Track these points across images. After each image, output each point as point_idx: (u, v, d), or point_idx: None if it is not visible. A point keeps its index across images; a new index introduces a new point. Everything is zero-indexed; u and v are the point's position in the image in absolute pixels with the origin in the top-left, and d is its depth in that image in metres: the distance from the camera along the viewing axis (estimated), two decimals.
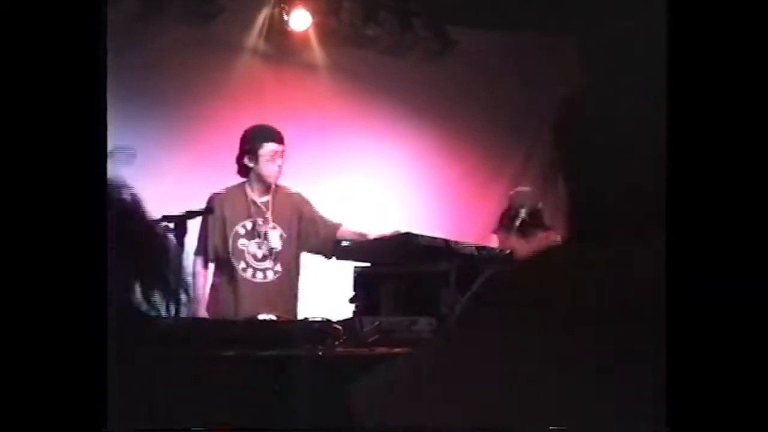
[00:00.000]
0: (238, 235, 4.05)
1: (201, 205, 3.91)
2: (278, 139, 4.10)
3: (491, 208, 6.13)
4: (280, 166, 4.08)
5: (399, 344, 2.87)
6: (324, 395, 2.40)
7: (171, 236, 2.45)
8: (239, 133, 4.51)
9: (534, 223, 4.96)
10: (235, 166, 4.17)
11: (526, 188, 5.24)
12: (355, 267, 3.44)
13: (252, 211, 4.07)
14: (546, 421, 1.28)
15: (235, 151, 4.19)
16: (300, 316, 3.94)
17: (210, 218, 4.02)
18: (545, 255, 1.43)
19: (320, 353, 2.48)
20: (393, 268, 3.34)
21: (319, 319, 2.91)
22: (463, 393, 1.33)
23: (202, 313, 3.96)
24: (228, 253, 4.03)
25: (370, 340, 2.83)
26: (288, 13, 5.42)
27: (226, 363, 2.28)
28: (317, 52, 5.63)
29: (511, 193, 5.24)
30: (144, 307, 1.33)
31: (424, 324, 2.99)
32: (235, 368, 2.28)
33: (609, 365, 1.24)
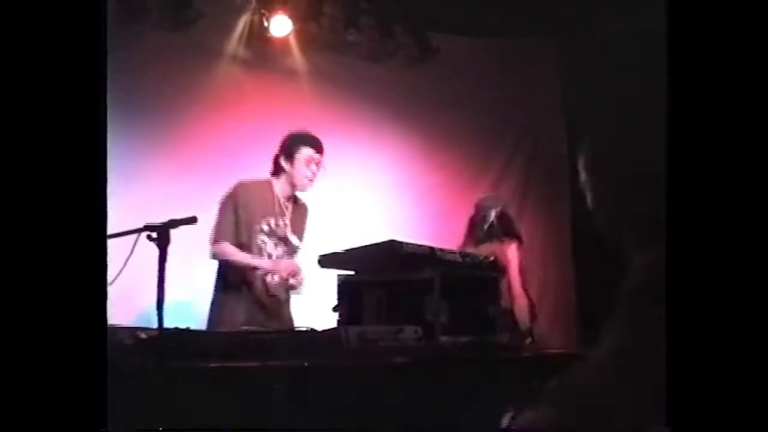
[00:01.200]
0: (261, 231, 4.01)
1: (182, 213, 3.85)
2: (318, 147, 4.08)
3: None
4: (314, 173, 4.06)
5: (385, 353, 2.85)
6: (310, 405, 2.37)
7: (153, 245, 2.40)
8: (220, 140, 4.47)
9: (503, 227, 4.99)
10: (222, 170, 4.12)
11: (492, 194, 5.27)
12: (339, 275, 3.41)
13: (276, 210, 4.05)
14: (546, 421, 1.27)
15: (216, 158, 4.14)
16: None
17: (230, 216, 3.97)
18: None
19: (305, 364, 2.45)
20: (377, 276, 3.31)
21: (304, 329, 2.88)
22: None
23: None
24: (250, 246, 3.99)
25: (356, 349, 2.79)
26: (268, 19, 5.39)
27: (209, 374, 2.24)
28: (298, 58, 5.60)
29: (480, 198, 5.27)
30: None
31: (409, 332, 2.97)
32: (219, 379, 2.25)
33: (609, 365, 1.24)
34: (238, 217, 3.98)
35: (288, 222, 4.10)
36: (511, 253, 5.00)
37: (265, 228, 4.04)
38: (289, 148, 4.06)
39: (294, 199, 4.16)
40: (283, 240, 4.09)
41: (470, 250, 4.94)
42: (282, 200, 4.09)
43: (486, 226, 5.08)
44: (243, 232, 3.99)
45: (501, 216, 5.10)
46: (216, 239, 3.96)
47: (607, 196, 1.45)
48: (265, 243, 4.04)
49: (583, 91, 5.97)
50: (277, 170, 4.09)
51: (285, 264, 3.97)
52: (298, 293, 4.08)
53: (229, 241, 3.96)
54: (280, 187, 4.08)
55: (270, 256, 4.05)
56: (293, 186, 4.08)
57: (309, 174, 4.05)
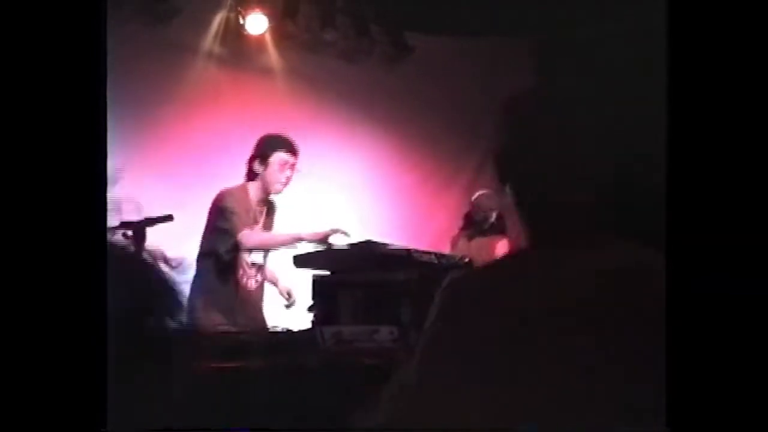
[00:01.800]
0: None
1: (156, 211, 3.83)
2: (292, 150, 4.04)
3: (447, 215, 6.15)
4: (288, 178, 4.03)
5: (360, 353, 2.85)
6: (286, 405, 2.36)
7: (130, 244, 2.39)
8: (194, 137, 4.43)
9: (500, 226, 5.02)
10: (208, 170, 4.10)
11: (489, 191, 5.29)
12: (314, 275, 3.40)
13: (251, 217, 4.01)
14: (546, 421, 1.27)
15: (191, 155, 4.11)
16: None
17: (219, 223, 3.94)
18: (539, 259, 1.43)
19: (281, 364, 2.44)
20: (353, 276, 3.31)
21: (280, 329, 2.87)
22: (465, 395, 1.32)
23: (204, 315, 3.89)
24: (235, 257, 3.97)
25: (331, 349, 2.79)
26: (244, 17, 5.37)
27: (182, 375, 2.23)
28: (273, 57, 5.59)
29: (477, 195, 5.27)
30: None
31: (385, 333, 2.97)
32: (193, 379, 2.23)
33: (609, 365, 1.25)
34: (222, 231, 3.94)
35: (260, 228, 4.08)
36: (501, 248, 5.03)
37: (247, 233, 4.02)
38: (263, 151, 4.02)
39: (267, 203, 4.14)
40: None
41: (462, 244, 4.97)
42: (256, 206, 4.07)
43: (486, 227, 5.11)
44: (229, 243, 3.95)
45: (499, 216, 5.12)
46: (200, 251, 3.94)
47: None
48: (244, 251, 4.01)
49: (561, 91, 5.99)
50: (251, 174, 4.05)
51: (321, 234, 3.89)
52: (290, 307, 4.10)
53: (218, 251, 3.94)
54: (254, 191, 4.05)
55: (248, 263, 4.03)
56: (266, 191, 4.05)
57: (282, 178, 4.02)
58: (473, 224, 5.20)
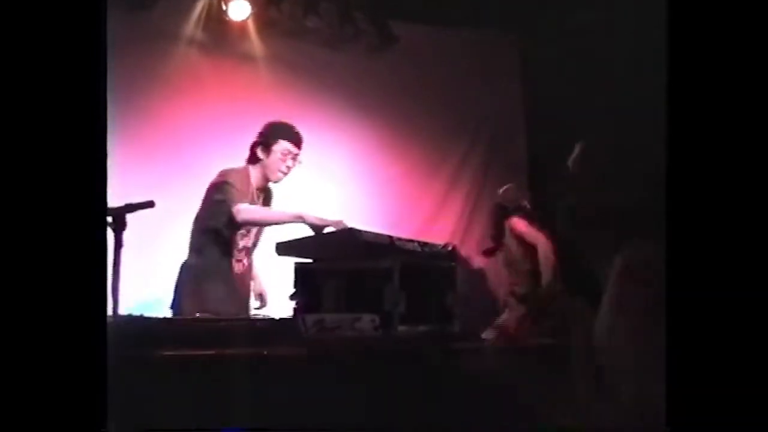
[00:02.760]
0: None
1: (137, 197, 3.80)
2: (297, 141, 4.06)
3: (432, 203, 6.15)
4: (288, 167, 4.04)
5: (342, 342, 2.84)
6: (268, 394, 2.35)
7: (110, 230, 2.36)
8: (177, 124, 4.39)
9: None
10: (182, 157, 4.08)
11: (512, 185, 5.33)
12: (297, 263, 3.38)
13: (250, 200, 4.00)
14: (546, 420, 1.27)
15: (173, 142, 4.08)
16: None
17: (219, 196, 3.89)
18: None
19: (264, 352, 2.43)
20: (335, 264, 3.29)
21: (262, 317, 2.85)
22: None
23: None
24: (229, 237, 3.95)
25: (313, 337, 2.78)
26: (227, 3, 5.33)
27: (163, 362, 2.21)
28: (256, 43, 5.54)
29: (504, 190, 5.29)
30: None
31: (367, 321, 2.96)
32: (175, 367, 2.22)
33: (609, 365, 1.24)
34: (220, 206, 3.92)
35: None
36: (521, 223, 5.10)
37: None
38: (267, 138, 4.03)
39: (265, 190, 4.13)
40: (248, 231, 4.06)
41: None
42: (255, 190, 4.06)
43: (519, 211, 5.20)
44: (224, 220, 3.92)
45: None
46: (194, 226, 3.92)
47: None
48: (236, 234, 4.01)
49: (546, 82, 6.01)
50: (253, 159, 4.05)
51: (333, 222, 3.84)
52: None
53: (215, 226, 3.92)
54: (254, 176, 4.05)
55: (237, 247, 4.02)
56: (266, 177, 4.05)
57: (284, 168, 4.03)
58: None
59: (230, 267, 4.00)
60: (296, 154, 4.05)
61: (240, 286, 4.07)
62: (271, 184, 4.13)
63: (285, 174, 4.05)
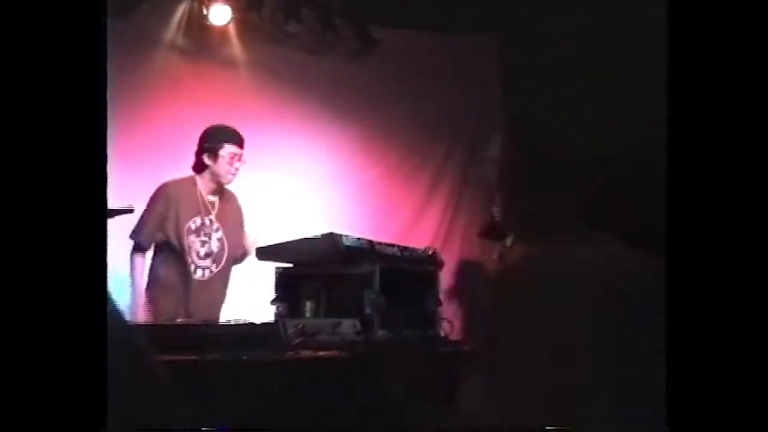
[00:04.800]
0: (189, 231, 4.02)
1: (117, 202, 3.81)
2: (239, 142, 4.14)
3: (412, 208, 6.16)
4: (237, 169, 4.12)
5: (323, 347, 2.84)
6: (248, 399, 2.35)
7: None
8: (155, 129, 4.39)
9: None
10: (163, 160, 4.11)
11: None
12: (277, 268, 3.39)
13: (201, 208, 4.05)
14: (546, 420, 1.27)
15: (152, 147, 4.08)
16: (223, 318, 3.94)
17: (161, 209, 4.01)
18: (539, 258, 1.43)
19: (244, 357, 2.43)
20: (316, 269, 3.30)
21: (243, 322, 2.86)
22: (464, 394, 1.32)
23: (141, 309, 3.90)
24: (182, 247, 3.99)
25: (294, 343, 2.78)
26: (207, 8, 5.31)
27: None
28: (237, 49, 5.53)
29: None
30: None
31: (348, 326, 2.97)
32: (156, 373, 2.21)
33: (609, 365, 1.25)
34: (164, 218, 3.99)
35: (214, 218, 4.11)
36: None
37: (192, 227, 4.05)
38: (211, 143, 4.11)
39: (220, 194, 4.16)
40: (209, 237, 4.09)
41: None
42: (207, 197, 4.11)
43: None
44: (172, 232, 3.99)
45: None
46: (135, 238, 3.98)
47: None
48: (193, 242, 4.04)
49: (524, 87, 6.04)
50: (200, 166, 4.11)
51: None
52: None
53: (148, 241, 3.98)
54: (204, 183, 4.11)
55: (198, 254, 4.05)
56: (218, 182, 4.11)
57: (233, 170, 4.12)
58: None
59: (187, 274, 4.03)
60: (241, 155, 4.13)
61: (206, 292, 4.09)
62: (226, 186, 4.20)
63: (234, 176, 4.13)
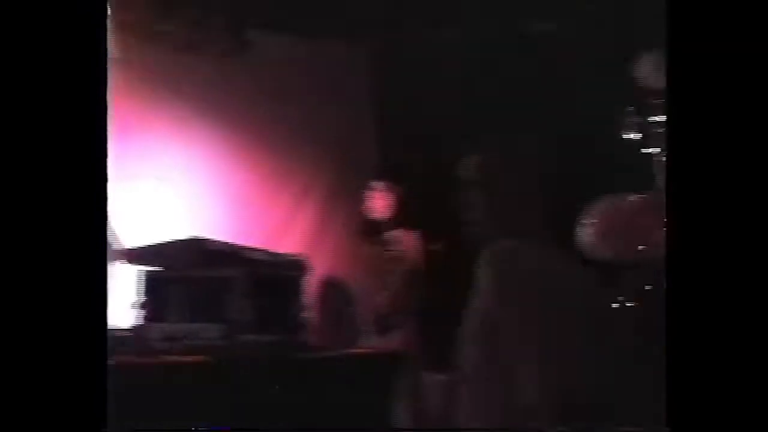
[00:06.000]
0: None
1: None
2: None
3: (282, 213, 6.15)
4: None
5: (189, 351, 2.83)
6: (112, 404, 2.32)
7: None
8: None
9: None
10: None
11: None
12: (142, 271, 3.34)
13: None
14: (546, 420, 1.29)
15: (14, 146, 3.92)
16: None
17: None
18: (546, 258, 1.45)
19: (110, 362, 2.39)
20: (181, 272, 3.27)
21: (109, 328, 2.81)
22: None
23: None
24: None
25: (159, 348, 2.76)
26: None
27: None
28: (108, 45, 5.40)
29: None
30: None
31: (214, 330, 2.96)
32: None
33: (609, 365, 1.27)
34: None
35: None
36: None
37: None
38: None
39: None
40: None
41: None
42: None
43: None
44: None
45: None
46: None
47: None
48: None
49: (398, 91, 6.16)
50: None
51: None
52: None
53: None
54: None
55: None
56: None
57: None
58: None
59: None
60: None
61: None
62: None
63: None
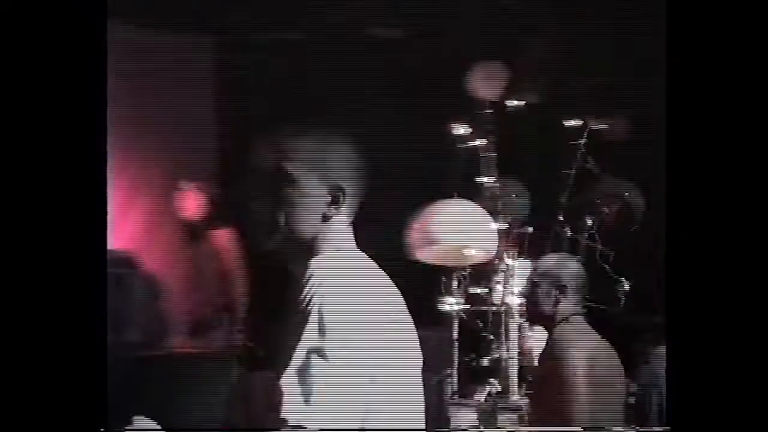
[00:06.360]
0: None
1: None
2: None
3: (112, 208, 5.97)
4: None
5: None
6: None
7: None
8: None
9: None
10: None
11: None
12: None
13: None
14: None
15: None
16: None
17: None
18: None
19: None
20: None
21: None
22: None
23: None
24: None
25: None
26: None
27: None
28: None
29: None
30: None
31: None
32: None
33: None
34: None
35: None
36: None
37: None
38: None
39: None
40: None
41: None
42: None
43: None
44: None
45: None
46: None
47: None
48: None
49: (241, 87, 6.13)
50: None
51: None
52: None
53: None
54: None
55: None
56: None
57: None
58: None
59: None
60: None
61: None
62: None
63: None
